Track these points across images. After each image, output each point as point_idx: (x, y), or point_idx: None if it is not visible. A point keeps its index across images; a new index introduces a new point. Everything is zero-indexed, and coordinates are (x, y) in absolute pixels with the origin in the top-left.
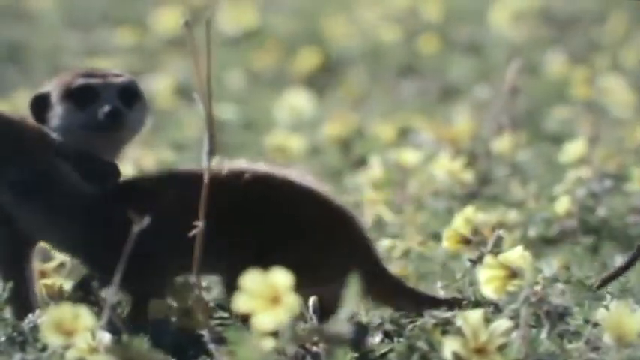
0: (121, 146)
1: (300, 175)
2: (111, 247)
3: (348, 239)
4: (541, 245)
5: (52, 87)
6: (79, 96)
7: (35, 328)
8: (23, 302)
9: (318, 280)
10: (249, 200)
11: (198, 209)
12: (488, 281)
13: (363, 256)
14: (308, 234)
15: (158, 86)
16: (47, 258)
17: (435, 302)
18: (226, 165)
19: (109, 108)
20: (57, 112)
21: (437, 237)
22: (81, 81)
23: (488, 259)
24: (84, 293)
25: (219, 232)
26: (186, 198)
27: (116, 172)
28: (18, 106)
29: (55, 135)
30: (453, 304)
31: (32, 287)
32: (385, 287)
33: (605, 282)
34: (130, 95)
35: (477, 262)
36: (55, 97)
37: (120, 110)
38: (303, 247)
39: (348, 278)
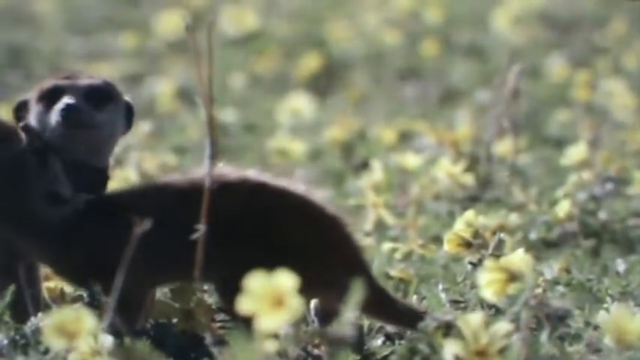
0: (96, 148)
1: (293, 183)
2: (87, 260)
3: (340, 252)
4: (542, 248)
5: (32, 93)
6: (48, 97)
7: (37, 331)
8: (23, 308)
9: (307, 293)
10: (241, 211)
11: (178, 221)
12: (488, 284)
13: (354, 268)
14: (299, 246)
15: (160, 90)
16: None
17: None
18: (219, 172)
19: (63, 104)
20: (32, 116)
21: (438, 240)
22: (50, 83)
23: (488, 262)
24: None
25: (212, 242)
26: (166, 210)
27: (104, 179)
28: None
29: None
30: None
31: (36, 292)
32: (373, 299)
33: None
34: (99, 96)
35: (478, 265)
36: (32, 102)
37: (76, 107)
38: (295, 259)
39: (344, 285)
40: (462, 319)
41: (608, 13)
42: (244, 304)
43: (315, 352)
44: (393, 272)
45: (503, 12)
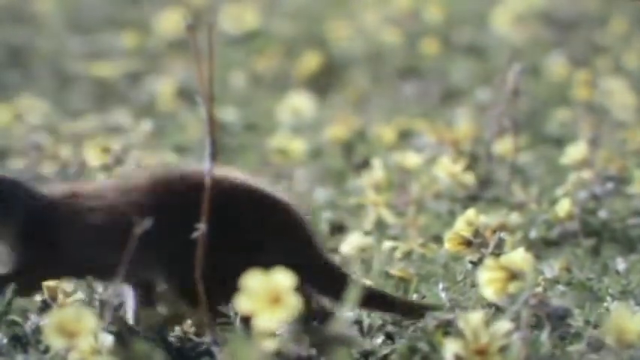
0: None
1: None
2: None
3: (285, 232)
4: (542, 247)
5: None
6: None
7: (37, 330)
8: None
9: None
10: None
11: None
12: (488, 283)
13: (304, 251)
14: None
15: (160, 88)
16: None
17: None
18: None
19: None
20: None
21: (438, 239)
22: None
23: (489, 261)
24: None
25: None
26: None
27: None
28: (20, 110)
29: None
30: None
31: None
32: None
33: None
34: None
35: (478, 264)
36: None
37: None
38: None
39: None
40: (462, 317)
41: (608, 12)
42: (242, 303)
43: (315, 350)
44: (393, 271)
45: (504, 11)
